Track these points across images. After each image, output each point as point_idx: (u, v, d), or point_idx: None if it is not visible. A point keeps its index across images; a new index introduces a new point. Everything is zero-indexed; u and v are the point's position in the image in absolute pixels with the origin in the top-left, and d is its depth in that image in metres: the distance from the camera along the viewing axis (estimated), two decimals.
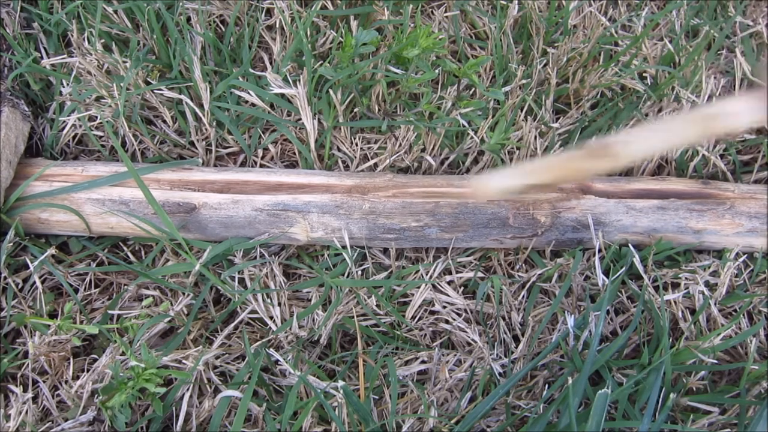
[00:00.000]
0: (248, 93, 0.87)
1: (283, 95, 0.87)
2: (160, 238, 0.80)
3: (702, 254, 0.87)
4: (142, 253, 0.86)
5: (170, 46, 0.88)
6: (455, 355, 0.78)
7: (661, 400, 0.70)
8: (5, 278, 0.78)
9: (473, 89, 0.91)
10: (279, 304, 0.80)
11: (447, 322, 0.81)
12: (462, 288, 0.84)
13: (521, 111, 0.91)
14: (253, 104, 0.88)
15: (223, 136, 0.89)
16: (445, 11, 0.99)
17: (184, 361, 0.74)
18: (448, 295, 0.82)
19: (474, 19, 0.99)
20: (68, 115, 0.88)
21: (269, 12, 0.98)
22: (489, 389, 0.76)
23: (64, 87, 0.90)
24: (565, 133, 0.91)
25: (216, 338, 0.78)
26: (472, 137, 0.88)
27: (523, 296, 0.83)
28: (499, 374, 0.76)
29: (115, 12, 0.91)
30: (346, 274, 0.81)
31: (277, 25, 0.94)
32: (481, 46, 0.98)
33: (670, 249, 0.83)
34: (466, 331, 0.79)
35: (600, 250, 0.82)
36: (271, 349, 0.77)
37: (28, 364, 0.74)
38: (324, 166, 0.89)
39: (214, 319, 0.80)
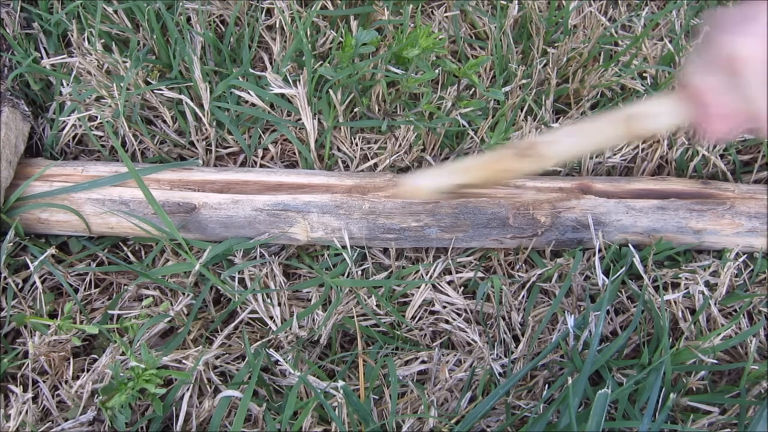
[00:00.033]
0: (248, 93, 0.87)
1: (283, 95, 0.87)
2: (160, 238, 0.80)
3: (702, 254, 0.87)
4: (142, 253, 0.86)
5: (170, 46, 0.88)
6: (455, 355, 0.78)
7: (661, 400, 0.70)
8: (5, 278, 0.78)
9: (473, 89, 0.91)
10: (279, 304, 0.80)
11: (447, 322, 0.81)
12: (462, 288, 0.84)
13: (521, 111, 0.91)
14: (253, 104, 0.88)
15: (223, 136, 0.89)
16: (445, 11, 0.99)
17: (184, 361, 0.74)
18: (448, 295, 0.82)
19: (474, 19, 0.99)
20: (68, 115, 0.88)
21: (269, 12, 0.98)
22: (489, 389, 0.76)
23: (64, 87, 0.90)
24: None
25: (216, 338, 0.78)
26: (472, 137, 0.88)
27: (523, 296, 0.83)
28: (499, 374, 0.76)
29: (115, 12, 0.91)
30: (346, 274, 0.81)
31: (277, 25, 0.94)
32: (481, 46, 0.98)
33: (670, 249, 0.83)
34: (466, 331, 0.79)
35: (600, 250, 0.82)
36: (271, 349, 0.77)
37: (28, 364, 0.74)
38: (324, 166, 0.89)
39: (214, 319, 0.80)
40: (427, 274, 0.82)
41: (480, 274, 0.85)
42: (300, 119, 0.86)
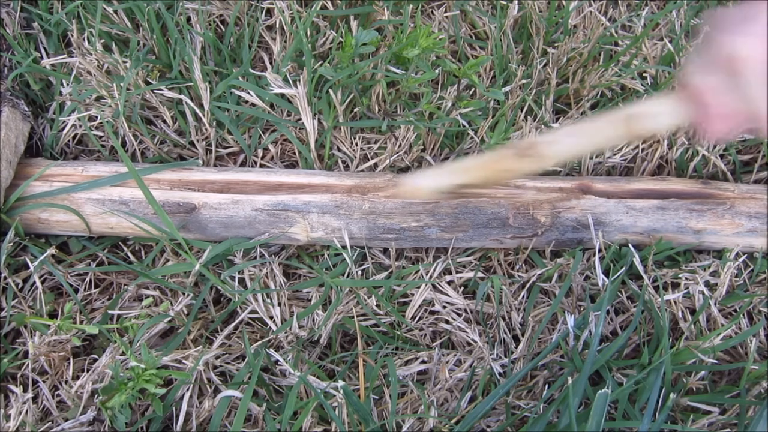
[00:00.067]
0: (248, 93, 0.87)
1: (283, 95, 0.87)
2: (160, 238, 0.80)
3: (702, 254, 0.87)
4: (142, 253, 0.86)
5: (170, 46, 0.88)
6: (455, 355, 0.78)
7: (661, 400, 0.70)
8: (5, 278, 0.78)
9: (473, 89, 0.91)
10: (279, 304, 0.80)
11: (447, 322, 0.81)
12: (462, 288, 0.84)
13: (521, 111, 0.91)
14: (253, 104, 0.88)
15: (223, 136, 0.89)
16: (445, 11, 0.99)
17: (184, 361, 0.74)
18: (448, 295, 0.82)
19: (474, 19, 0.99)
20: (68, 115, 0.88)
21: (269, 12, 0.98)
22: (489, 389, 0.76)
23: (64, 87, 0.90)
24: None
25: (216, 338, 0.78)
26: (472, 137, 0.88)
27: (523, 296, 0.83)
28: (499, 374, 0.76)
29: (115, 12, 0.91)
30: (346, 274, 0.81)
31: (277, 25, 0.94)
32: (481, 46, 0.98)
33: (670, 249, 0.83)
34: (466, 331, 0.79)
35: (600, 250, 0.82)
36: (271, 349, 0.77)
37: (28, 364, 0.74)
38: (324, 166, 0.89)
39: (214, 319, 0.80)
40: (427, 274, 0.82)
41: (480, 274, 0.85)
42: (300, 119, 0.86)
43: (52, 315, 0.80)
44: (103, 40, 0.90)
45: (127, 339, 0.76)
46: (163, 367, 0.74)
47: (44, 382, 0.74)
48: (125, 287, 0.82)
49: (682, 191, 0.84)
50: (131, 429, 0.70)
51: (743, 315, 0.80)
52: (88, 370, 0.75)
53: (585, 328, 0.76)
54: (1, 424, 0.69)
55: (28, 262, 0.79)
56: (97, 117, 0.88)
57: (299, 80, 0.83)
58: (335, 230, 0.80)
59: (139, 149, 0.89)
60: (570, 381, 0.64)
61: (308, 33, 0.87)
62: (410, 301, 0.81)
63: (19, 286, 0.79)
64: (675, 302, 0.80)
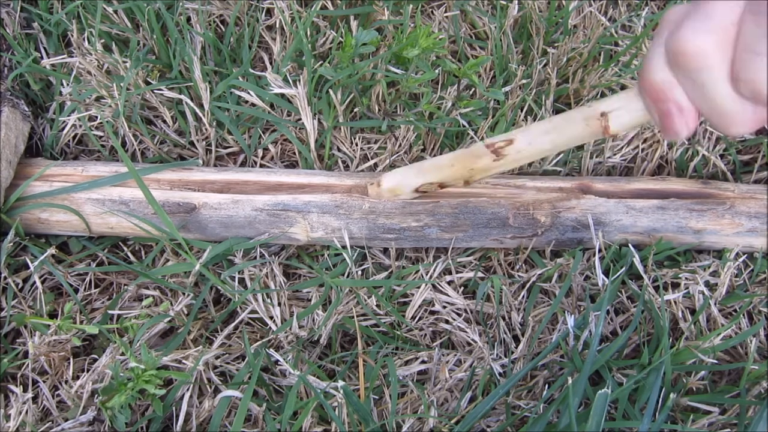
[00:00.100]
0: (248, 93, 0.87)
1: (283, 95, 0.87)
2: (160, 238, 0.80)
3: (702, 254, 0.87)
4: (142, 253, 0.86)
5: (170, 46, 0.88)
6: (455, 355, 0.78)
7: (661, 400, 0.69)
8: (5, 278, 0.78)
9: (473, 89, 0.91)
10: (279, 304, 0.80)
11: (447, 322, 0.81)
12: (462, 288, 0.84)
13: (521, 111, 0.91)
14: (253, 104, 0.88)
15: (223, 136, 0.89)
16: (445, 11, 0.99)
17: (184, 361, 0.74)
18: (448, 295, 0.82)
19: (474, 19, 0.99)
20: (68, 115, 0.88)
21: (269, 12, 0.98)
22: (489, 389, 0.76)
23: (64, 87, 0.90)
24: None
25: (216, 338, 0.78)
26: (472, 137, 0.88)
27: (523, 296, 0.83)
28: (499, 374, 0.76)
29: (115, 12, 0.91)
30: (346, 274, 0.81)
31: (277, 25, 0.94)
32: (481, 46, 0.98)
33: (670, 249, 0.83)
34: (466, 331, 0.79)
35: (600, 250, 0.82)
36: (271, 349, 0.77)
37: (28, 364, 0.74)
38: (324, 166, 0.89)
39: (214, 319, 0.80)
40: (427, 274, 0.82)
41: (480, 274, 0.85)
42: (300, 119, 0.86)
43: (52, 315, 0.80)
44: (103, 40, 0.90)
45: (127, 339, 0.76)
46: (163, 367, 0.74)
47: (44, 382, 0.74)
48: (125, 287, 0.82)
49: (682, 191, 0.84)
50: (131, 429, 0.70)
51: (743, 315, 0.80)
52: (88, 370, 0.75)
53: (585, 328, 0.76)
54: (1, 424, 0.69)
55: (28, 262, 0.79)
56: (97, 117, 0.88)
57: (299, 80, 0.83)
58: (335, 230, 0.80)
59: (139, 149, 0.89)
60: (570, 381, 0.64)
61: (308, 33, 0.87)
62: (410, 301, 0.81)
63: (19, 286, 0.80)
64: (675, 302, 0.80)
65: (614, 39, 0.98)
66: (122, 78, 0.86)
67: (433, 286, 0.83)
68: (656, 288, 0.81)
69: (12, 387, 0.72)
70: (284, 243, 0.83)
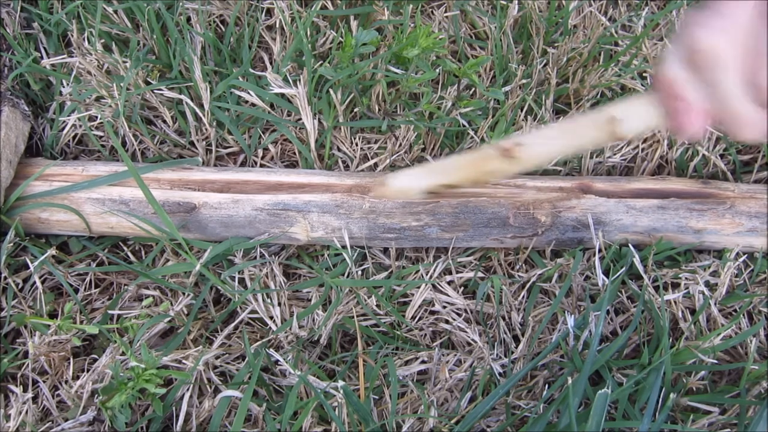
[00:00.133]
0: (248, 93, 0.87)
1: (283, 95, 0.87)
2: (160, 238, 0.80)
3: (702, 254, 0.87)
4: (142, 253, 0.86)
5: (170, 46, 0.88)
6: (455, 355, 0.78)
7: (661, 400, 0.69)
8: (5, 278, 0.78)
9: (473, 89, 0.91)
10: (279, 304, 0.80)
11: (447, 322, 0.81)
12: (462, 288, 0.84)
13: (521, 111, 0.91)
14: (253, 104, 0.88)
15: (223, 136, 0.89)
16: (445, 11, 0.99)
17: (184, 361, 0.74)
18: (448, 295, 0.82)
19: (474, 19, 0.99)
20: (68, 115, 0.88)
21: (269, 12, 0.98)
22: (489, 389, 0.76)
23: (64, 87, 0.90)
24: None
25: (216, 338, 0.78)
26: (472, 137, 0.88)
27: (523, 296, 0.83)
28: (499, 374, 0.76)
29: (115, 12, 0.91)
30: (346, 274, 0.81)
31: (277, 25, 0.94)
32: (481, 46, 0.98)
33: (671, 249, 0.83)
34: (466, 331, 0.79)
35: (600, 250, 0.82)
36: (271, 349, 0.77)
37: (28, 364, 0.74)
38: (324, 166, 0.89)
39: (214, 319, 0.80)
40: (427, 274, 0.82)
41: (480, 274, 0.85)
42: (300, 119, 0.86)
43: (52, 315, 0.80)
44: (103, 40, 0.90)
45: (127, 339, 0.76)
46: (163, 367, 0.74)
47: (44, 382, 0.74)
48: (125, 287, 0.82)
49: (683, 191, 0.84)
50: (131, 429, 0.70)
51: (743, 315, 0.80)
52: (88, 370, 0.75)
53: (585, 328, 0.76)
54: (1, 424, 0.69)
55: (28, 262, 0.79)
56: (97, 117, 0.88)
57: (299, 80, 0.83)
58: (335, 230, 0.80)
59: (139, 149, 0.89)
60: (570, 381, 0.64)
61: (308, 33, 0.87)
62: (410, 301, 0.81)
63: (19, 286, 0.80)
64: (675, 302, 0.80)
65: (614, 39, 0.98)
66: (122, 78, 0.86)
67: (433, 286, 0.83)
68: (656, 288, 0.81)
69: (12, 387, 0.72)
70: (284, 243, 0.83)
